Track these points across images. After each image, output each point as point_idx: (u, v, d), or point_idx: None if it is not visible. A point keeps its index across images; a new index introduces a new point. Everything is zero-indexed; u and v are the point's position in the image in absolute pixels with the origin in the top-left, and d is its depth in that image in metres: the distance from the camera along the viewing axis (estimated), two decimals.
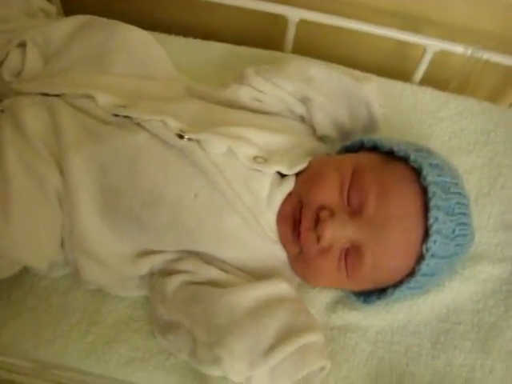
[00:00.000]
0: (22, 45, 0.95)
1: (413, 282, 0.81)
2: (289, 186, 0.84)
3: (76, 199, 0.82)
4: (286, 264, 0.87)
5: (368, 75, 1.10)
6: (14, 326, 0.86)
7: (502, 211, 1.02)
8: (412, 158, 0.80)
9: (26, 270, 0.88)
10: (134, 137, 0.84)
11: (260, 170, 0.84)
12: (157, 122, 0.84)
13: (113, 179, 0.83)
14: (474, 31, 1.16)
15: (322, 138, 1.00)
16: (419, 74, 1.18)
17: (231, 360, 0.74)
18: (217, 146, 0.83)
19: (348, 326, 0.90)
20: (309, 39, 1.19)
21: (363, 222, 0.78)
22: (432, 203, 0.77)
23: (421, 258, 0.79)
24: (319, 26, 1.14)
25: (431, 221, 0.77)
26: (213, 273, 0.83)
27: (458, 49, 1.12)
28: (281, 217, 0.83)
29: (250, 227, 0.82)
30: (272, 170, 0.84)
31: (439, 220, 0.77)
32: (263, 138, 0.88)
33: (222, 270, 0.84)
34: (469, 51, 1.11)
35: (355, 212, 0.79)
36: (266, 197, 0.83)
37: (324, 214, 0.79)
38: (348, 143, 0.91)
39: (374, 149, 0.87)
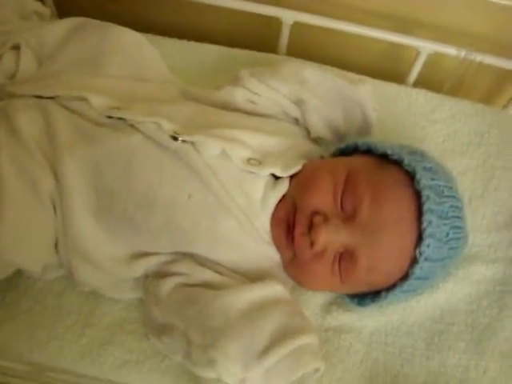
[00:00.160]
0: (16, 47, 0.95)
1: (406, 286, 0.81)
2: (283, 188, 0.84)
3: (70, 201, 0.82)
4: (280, 266, 0.87)
5: (362, 77, 1.11)
6: (9, 328, 0.86)
7: (495, 212, 1.02)
8: (406, 161, 0.81)
9: (20, 273, 0.88)
10: (128, 139, 0.84)
11: (254, 172, 0.84)
12: (151, 124, 0.84)
13: (107, 181, 0.83)
14: (468, 33, 1.17)
15: (316, 141, 1.00)
16: (413, 76, 1.18)
17: (225, 362, 0.74)
18: (211, 147, 0.83)
19: (342, 328, 0.90)
20: (303, 41, 1.19)
21: (357, 226, 0.78)
22: (425, 207, 0.77)
23: (414, 261, 0.79)
24: (313, 28, 1.14)
25: (425, 225, 0.77)
26: (207, 275, 0.83)
27: (452, 51, 1.12)
28: (275, 221, 0.83)
29: (243, 229, 0.82)
30: (266, 172, 0.84)
31: (433, 224, 0.77)
32: (257, 140, 0.88)
33: (216, 271, 0.83)
34: (462, 53, 1.11)
35: (349, 217, 0.79)
36: (260, 199, 0.83)
37: (317, 219, 0.79)
38: (342, 146, 0.91)
39: (368, 152, 0.87)
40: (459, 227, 0.82)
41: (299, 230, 0.80)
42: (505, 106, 1.20)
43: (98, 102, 0.87)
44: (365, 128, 0.98)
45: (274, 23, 1.16)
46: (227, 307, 0.77)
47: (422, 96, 1.14)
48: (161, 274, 0.84)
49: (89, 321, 0.88)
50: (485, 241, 0.99)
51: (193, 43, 1.17)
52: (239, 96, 0.96)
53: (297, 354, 0.76)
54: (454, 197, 0.82)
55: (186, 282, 0.82)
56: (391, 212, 0.78)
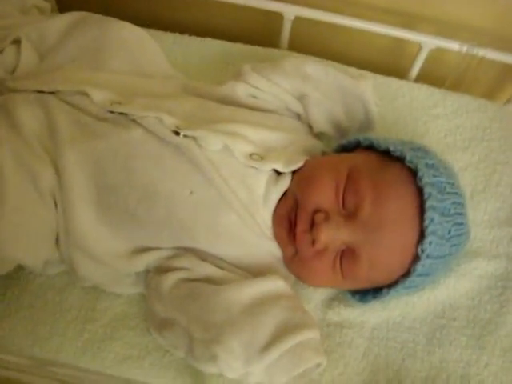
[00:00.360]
0: (17, 41, 0.95)
1: (408, 282, 0.81)
2: (285, 184, 0.84)
3: (71, 196, 0.82)
4: (281, 261, 0.87)
5: (363, 72, 1.11)
6: (10, 323, 0.86)
7: (497, 208, 1.02)
8: (408, 158, 0.80)
9: (21, 268, 0.88)
10: (129, 133, 0.83)
11: (256, 168, 0.84)
12: (152, 119, 0.84)
13: (108, 176, 0.83)
14: (470, 28, 1.16)
15: (318, 136, 1.00)
16: (415, 71, 1.18)
17: (227, 357, 0.74)
18: (213, 142, 0.83)
19: (344, 323, 0.90)
20: (304, 36, 1.19)
21: (358, 224, 0.78)
22: (428, 204, 0.77)
23: (416, 258, 0.79)
24: (315, 23, 1.14)
25: (427, 222, 0.77)
26: (209, 270, 0.83)
27: (454, 46, 1.12)
28: (276, 218, 0.83)
29: (245, 224, 0.82)
30: (268, 167, 0.84)
31: (435, 221, 0.77)
32: (259, 135, 0.88)
33: (217, 266, 0.84)
34: (464, 48, 1.11)
35: (350, 215, 0.79)
36: (263, 194, 0.83)
37: (319, 217, 0.79)
38: (344, 142, 0.91)
39: (371, 147, 0.86)
40: (461, 224, 0.82)
41: (301, 227, 0.80)
42: (507, 101, 1.20)
43: (99, 96, 0.87)
44: (367, 123, 0.98)
45: (276, 18, 1.16)
46: (229, 302, 0.77)
47: (423, 91, 1.14)
48: (162, 269, 0.84)
49: (90, 316, 0.88)
50: (486, 236, 0.99)
51: (194, 38, 1.16)
52: (241, 91, 0.96)
53: (298, 349, 0.76)
54: (456, 193, 0.82)
55: (187, 277, 0.82)
56: (393, 210, 0.78)
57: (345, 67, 1.12)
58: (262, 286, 0.80)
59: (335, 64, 1.12)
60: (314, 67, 0.97)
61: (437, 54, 1.15)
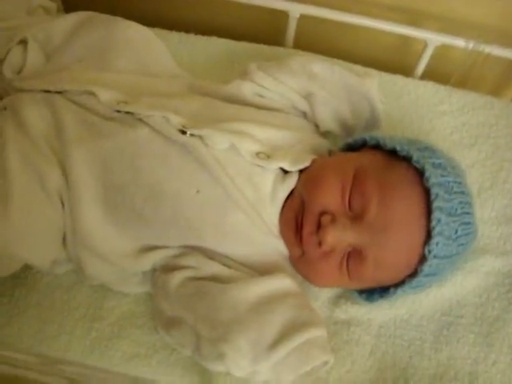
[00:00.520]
0: (23, 42, 0.95)
1: (415, 282, 0.81)
2: (292, 182, 0.84)
3: (78, 196, 0.82)
4: (288, 259, 0.87)
5: (369, 70, 1.11)
6: (18, 323, 0.87)
7: (504, 205, 1.02)
8: (415, 158, 0.80)
9: (28, 267, 0.88)
10: (136, 132, 0.84)
11: (263, 166, 0.84)
12: (159, 118, 0.84)
13: (115, 175, 0.83)
14: (476, 25, 1.16)
15: (324, 134, 1.00)
16: (420, 68, 1.18)
17: (235, 355, 0.74)
18: (219, 141, 0.83)
19: (351, 320, 0.90)
20: (310, 34, 1.19)
21: (365, 226, 0.78)
22: (434, 205, 0.76)
23: (423, 259, 0.79)
24: (320, 20, 1.14)
25: (434, 223, 0.76)
26: (216, 268, 0.83)
27: (460, 43, 1.12)
28: (283, 219, 0.84)
29: (252, 223, 0.82)
30: (275, 165, 0.84)
31: (442, 222, 0.77)
32: (266, 134, 0.88)
33: (224, 265, 0.84)
34: (470, 45, 1.11)
35: (357, 216, 0.79)
36: (269, 193, 0.83)
37: (325, 219, 0.79)
38: (350, 140, 0.90)
39: (377, 146, 0.86)
40: (468, 223, 0.82)
41: (307, 229, 0.80)
42: None
43: (105, 96, 0.87)
44: (372, 121, 0.98)
45: (281, 16, 1.16)
46: (236, 301, 0.77)
47: (429, 88, 1.13)
48: (169, 268, 0.84)
49: (97, 314, 0.88)
50: (494, 233, 0.99)
51: (200, 37, 1.16)
52: (247, 90, 0.96)
53: (306, 347, 0.76)
54: (463, 192, 0.82)
55: (194, 275, 0.82)
56: (399, 211, 0.78)
57: (350, 65, 1.12)
58: (269, 284, 0.80)
59: (341, 62, 1.12)
60: (319, 66, 0.97)
61: (442, 51, 1.14)
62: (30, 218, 0.80)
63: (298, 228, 0.81)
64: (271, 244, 0.85)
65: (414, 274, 0.81)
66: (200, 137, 0.83)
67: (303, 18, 1.15)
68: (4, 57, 0.94)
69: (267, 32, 1.24)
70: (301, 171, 0.86)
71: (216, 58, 1.14)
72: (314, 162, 0.86)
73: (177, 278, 0.82)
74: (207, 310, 0.78)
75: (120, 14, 1.02)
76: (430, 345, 0.89)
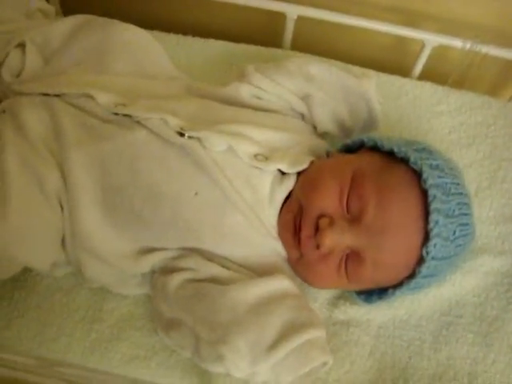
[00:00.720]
0: (22, 45, 0.95)
1: (413, 284, 0.81)
2: (290, 184, 0.84)
3: (77, 199, 0.82)
4: (287, 260, 0.87)
5: (366, 71, 1.11)
6: (18, 325, 0.87)
7: (502, 204, 1.02)
8: (412, 159, 0.79)
9: (28, 270, 0.89)
10: (134, 135, 0.84)
11: (261, 168, 0.84)
12: (157, 120, 0.84)
13: (113, 177, 0.83)
14: (473, 25, 1.16)
15: (322, 135, 1.00)
16: (418, 68, 1.18)
17: (234, 357, 0.74)
18: (217, 143, 0.83)
19: (350, 321, 0.90)
20: (307, 36, 1.19)
21: (362, 228, 0.78)
22: (432, 207, 0.76)
23: (421, 260, 0.79)
24: (317, 22, 1.14)
25: (431, 225, 0.76)
26: (214, 270, 0.83)
27: (457, 43, 1.12)
28: (281, 221, 0.84)
29: (251, 224, 0.82)
30: (273, 167, 0.84)
31: (439, 223, 0.77)
32: (264, 136, 0.88)
33: (223, 266, 0.84)
34: (467, 45, 1.11)
35: (355, 219, 0.79)
36: (268, 194, 0.84)
37: (323, 222, 0.79)
38: (348, 142, 0.90)
39: (375, 148, 0.86)
40: (466, 224, 0.82)
41: (305, 232, 0.80)
42: (511, 98, 1.20)
43: (103, 98, 0.87)
44: (370, 122, 0.98)
45: (278, 18, 1.16)
46: (235, 302, 0.77)
47: (427, 88, 1.14)
48: (168, 270, 0.84)
49: (97, 316, 0.88)
50: (492, 233, 0.99)
51: (197, 39, 1.17)
52: (245, 91, 0.96)
53: (305, 348, 0.76)
54: (461, 193, 0.82)
55: (193, 277, 0.82)
56: (397, 213, 0.78)
57: (348, 66, 1.12)
58: (268, 285, 0.80)
59: (338, 63, 1.12)
60: (317, 67, 0.97)
61: (440, 52, 1.15)
62: (29, 221, 0.80)
63: (296, 230, 0.81)
64: (270, 245, 0.85)
65: (412, 275, 0.81)
66: (198, 139, 0.83)
67: (301, 19, 1.15)
68: (3, 60, 0.94)
69: (265, 34, 1.24)
70: (299, 173, 0.86)
71: (214, 60, 1.14)
72: (312, 163, 0.86)
73: (176, 279, 0.82)
74: (206, 312, 0.78)
75: (118, 17, 1.02)
76: (429, 345, 0.89)
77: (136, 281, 0.88)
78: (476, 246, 0.95)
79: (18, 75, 0.94)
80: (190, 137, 0.83)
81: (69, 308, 0.88)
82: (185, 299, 0.81)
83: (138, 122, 0.85)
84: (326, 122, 0.98)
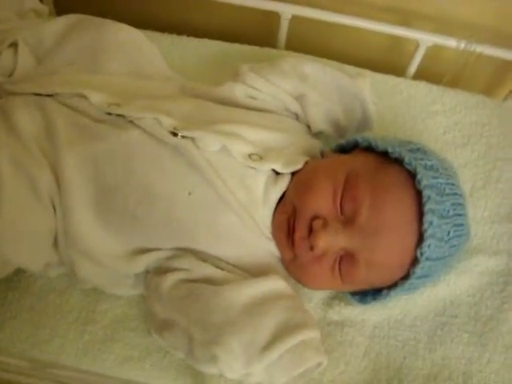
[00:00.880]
0: (14, 45, 0.95)
1: (407, 285, 0.81)
2: (284, 184, 0.84)
3: (70, 199, 0.82)
4: (281, 261, 0.86)
5: (361, 71, 1.11)
6: (11, 326, 0.86)
7: (497, 204, 1.02)
8: (406, 160, 0.79)
9: (21, 271, 0.88)
10: (127, 135, 0.83)
11: (255, 168, 0.83)
12: (150, 120, 0.84)
13: (107, 178, 0.83)
14: (467, 24, 1.16)
15: (317, 135, 1.00)
16: (412, 68, 1.18)
17: (228, 358, 0.74)
18: (211, 143, 0.83)
19: (345, 321, 0.90)
20: (302, 35, 1.19)
21: (356, 230, 0.78)
22: (426, 208, 0.76)
23: (415, 261, 0.78)
24: (312, 21, 1.14)
25: (426, 226, 0.76)
26: (208, 270, 0.83)
27: (451, 42, 1.12)
28: (275, 222, 0.83)
29: (245, 224, 0.82)
30: (267, 167, 0.84)
31: (434, 224, 0.76)
32: (258, 136, 0.88)
33: (217, 267, 0.83)
34: (462, 45, 1.11)
35: (348, 220, 0.79)
36: (262, 195, 0.83)
37: (317, 223, 0.79)
38: (342, 142, 0.90)
39: (369, 148, 0.86)
40: (461, 225, 0.82)
41: (299, 233, 0.80)
42: (505, 97, 1.20)
43: (96, 98, 0.87)
44: (365, 122, 0.98)
45: (273, 17, 1.16)
46: (229, 303, 0.77)
47: (421, 88, 1.14)
48: (162, 270, 0.84)
49: (90, 318, 0.88)
50: (487, 233, 0.99)
51: (191, 39, 1.17)
52: (239, 91, 0.96)
53: (299, 348, 0.75)
54: (455, 194, 0.81)
55: (187, 277, 0.82)
56: (391, 215, 0.78)
57: (342, 66, 1.12)
58: (262, 285, 0.80)
59: (333, 63, 1.12)
60: (311, 67, 0.97)
61: (434, 51, 1.15)
62: (21, 222, 0.79)
63: (290, 231, 0.81)
64: (264, 246, 0.85)
65: (406, 276, 0.81)
66: (192, 139, 0.82)
67: (295, 19, 1.15)
68: None
69: (259, 33, 1.24)
70: (293, 173, 0.85)
71: (208, 60, 1.14)
72: (306, 164, 0.86)
73: (170, 280, 0.82)
74: (200, 313, 0.78)
75: (111, 17, 1.02)
76: (424, 345, 0.89)
77: (129, 281, 0.87)
78: (471, 245, 0.95)
79: (11, 75, 0.94)
80: (183, 136, 0.82)
81: (62, 309, 0.88)
82: (178, 300, 0.80)
83: (132, 122, 0.85)
84: (320, 122, 0.98)
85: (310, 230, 0.79)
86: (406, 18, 1.18)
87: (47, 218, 0.82)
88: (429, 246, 0.77)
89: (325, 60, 1.12)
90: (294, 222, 0.81)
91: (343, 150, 0.91)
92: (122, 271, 0.85)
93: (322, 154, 0.93)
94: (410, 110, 1.11)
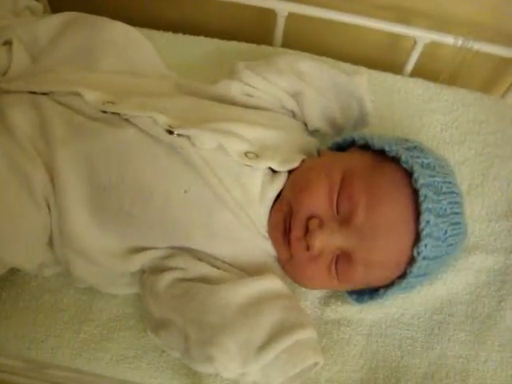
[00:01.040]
0: (8, 43, 0.94)
1: (404, 284, 0.81)
2: (281, 182, 0.84)
3: (65, 198, 0.81)
4: (277, 260, 0.86)
5: (358, 68, 1.11)
6: (6, 326, 0.86)
7: (494, 202, 1.02)
8: (403, 158, 0.79)
9: (17, 270, 0.88)
10: (122, 133, 0.83)
11: (251, 166, 0.83)
12: (145, 118, 0.83)
13: (102, 176, 0.82)
14: (464, 22, 1.16)
15: (313, 133, 1.00)
16: (410, 65, 1.17)
17: (224, 358, 0.73)
18: (207, 141, 0.82)
19: (341, 320, 0.90)
20: (298, 33, 1.19)
21: (352, 230, 0.77)
22: (423, 207, 0.76)
23: (412, 260, 0.78)
24: (308, 19, 1.13)
25: (422, 225, 0.76)
26: (204, 269, 0.82)
27: (449, 40, 1.11)
28: (272, 222, 0.83)
29: (241, 223, 0.82)
30: (263, 165, 0.84)
31: (430, 223, 0.76)
32: (255, 134, 0.87)
33: (213, 266, 0.83)
34: (459, 42, 1.10)
35: (345, 220, 0.78)
36: (258, 193, 0.83)
37: (313, 223, 0.78)
38: (339, 140, 0.89)
39: (366, 146, 0.85)
40: (458, 223, 0.81)
41: (295, 233, 0.80)
42: (503, 95, 1.20)
43: (91, 96, 0.86)
44: (362, 119, 0.98)
45: (269, 15, 1.16)
46: (225, 302, 0.77)
47: (419, 86, 1.13)
48: (158, 269, 0.83)
49: (86, 317, 0.87)
50: (484, 230, 0.99)
51: (187, 37, 1.16)
52: (235, 89, 0.95)
53: (295, 348, 0.75)
54: (452, 192, 0.81)
55: (183, 276, 0.82)
56: (387, 214, 0.77)
57: (339, 63, 1.12)
58: (258, 285, 0.79)
59: (329, 60, 1.12)
60: (308, 64, 0.97)
61: (431, 49, 1.14)
62: (14, 221, 0.79)
63: (286, 231, 0.81)
64: (260, 245, 0.84)
65: (403, 275, 0.81)
66: (188, 137, 0.82)
67: (291, 16, 1.14)
68: None
69: (255, 31, 1.23)
70: (290, 171, 0.85)
71: (204, 58, 1.14)
72: (302, 162, 0.86)
73: (165, 279, 0.81)
74: (196, 312, 0.77)
75: (106, 15, 1.01)
76: (421, 343, 0.89)
77: (125, 280, 0.87)
78: (468, 243, 0.95)
79: (5, 73, 0.93)
80: (179, 134, 0.82)
81: (57, 308, 0.88)
82: (174, 299, 0.80)
83: (127, 120, 0.84)
84: (316, 120, 0.97)
85: (306, 230, 0.78)
86: (403, 15, 1.18)
87: (41, 217, 0.81)
88: (426, 245, 0.76)
89: (321, 57, 1.12)
90: (290, 221, 0.80)
91: (340, 147, 0.90)
92: (118, 270, 0.85)
93: (319, 152, 0.92)
94: (407, 108, 1.11)
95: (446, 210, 0.78)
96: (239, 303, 0.77)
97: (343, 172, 0.81)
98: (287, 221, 0.81)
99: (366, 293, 0.87)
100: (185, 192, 0.81)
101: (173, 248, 0.84)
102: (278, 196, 0.84)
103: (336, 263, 0.80)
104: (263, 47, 1.16)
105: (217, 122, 0.86)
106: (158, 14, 1.26)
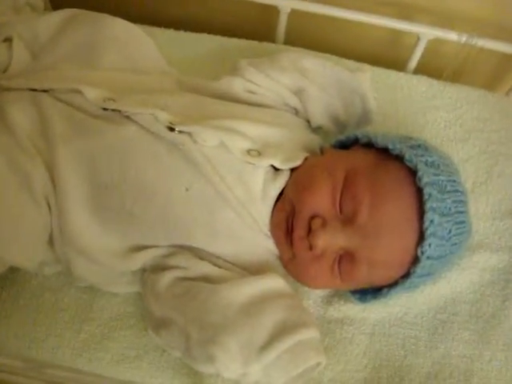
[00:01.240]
0: (9, 40, 0.94)
1: (408, 283, 0.80)
2: (283, 180, 0.83)
3: (65, 196, 0.81)
4: (279, 259, 0.85)
5: (361, 65, 1.10)
6: (6, 325, 0.85)
7: (498, 200, 1.01)
8: (407, 157, 0.78)
9: (17, 269, 0.87)
10: (124, 130, 0.82)
11: (253, 164, 0.82)
12: (147, 115, 0.82)
13: (103, 174, 0.82)
14: (468, 18, 1.15)
15: (316, 130, 0.99)
16: (413, 62, 1.17)
17: (225, 358, 0.73)
18: (209, 138, 0.81)
19: (344, 319, 0.89)
20: (301, 30, 1.18)
21: (356, 229, 0.77)
22: (427, 206, 0.75)
23: (416, 260, 0.77)
24: (311, 16, 1.13)
25: (426, 224, 0.75)
26: (206, 268, 0.82)
27: (452, 36, 1.11)
28: (274, 221, 0.82)
29: (243, 221, 0.81)
30: (265, 163, 0.83)
31: (435, 222, 0.75)
32: (257, 131, 0.86)
33: (215, 265, 0.82)
34: (463, 38, 1.10)
35: (348, 219, 0.78)
36: (261, 191, 0.82)
37: (316, 223, 0.78)
38: (342, 138, 0.89)
39: (369, 144, 0.84)
40: (462, 222, 0.80)
41: (298, 233, 0.79)
42: (507, 92, 1.19)
43: (91, 94, 0.86)
44: (365, 116, 0.97)
45: (271, 12, 1.15)
46: (227, 302, 0.76)
47: (422, 83, 1.13)
48: (159, 268, 0.83)
49: (87, 316, 0.87)
50: (488, 229, 0.98)
51: (189, 34, 1.16)
52: (238, 86, 0.95)
53: (297, 348, 0.74)
54: (456, 191, 0.80)
55: (184, 275, 0.81)
56: (391, 214, 0.76)
57: (342, 60, 1.11)
58: (260, 284, 0.79)
59: (332, 57, 1.11)
60: (311, 61, 0.96)
61: (435, 45, 1.13)
62: (14, 219, 0.78)
63: (289, 230, 0.80)
64: (262, 243, 0.84)
65: (406, 274, 0.80)
66: (189, 134, 0.81)
67: (294, 13, 1.14)
68: None
69: (258, 28, 1.23)
70: (292, 169, 0.84)
71: (206, 55, 1.13)
72: (305, 160, 0.85)
73: (167, 277, 0.81)
74: (197, 311, 0.77)
75: (107, 12, 1.01)
76: (424, 343, 0.88)
77: (126, 279, 0.87)
78: (472, 242, 0.94)
79: (5, 70, 0.93)
80: (180, 132, 0.81)
81: (58, 307, 0.87)
82: (176, 298, 0.80)
83: (128, 118, 0.84)
84: (319, 117, 0.97)
85: (309, 230, 0.78)
86: (406, 12, 1.17)
87: (42, 216, 0.81)
88: (430, 244, 0.75)
89: (324, 54, 1.11)
90: (292, 220, 0.80)
91: (343, 145, 0.90)
92: (119, 269, 0.84)
93: (322, 150, 0.91)
94: (410, 105, 1.10)
95: (450, 208, 0.78)
96: (241, 302, 0.76)
97: (346, 171, 0.80)
98: (290, 220, 0.80)
99: (370, 292, 0.86)
100: (186, 190, 0.80)
101: (174, 246, 0.84)
102: (281, 194, 0.83)
103: (339, 263, 0.80)
104: (265, 44, 1.15)
105: (219, 119, 0.85)
106: (160, 11, 1.26)
